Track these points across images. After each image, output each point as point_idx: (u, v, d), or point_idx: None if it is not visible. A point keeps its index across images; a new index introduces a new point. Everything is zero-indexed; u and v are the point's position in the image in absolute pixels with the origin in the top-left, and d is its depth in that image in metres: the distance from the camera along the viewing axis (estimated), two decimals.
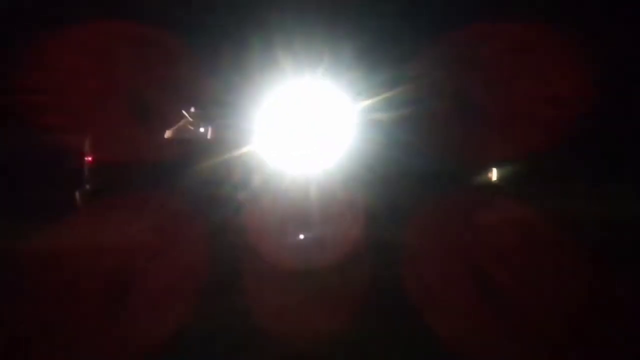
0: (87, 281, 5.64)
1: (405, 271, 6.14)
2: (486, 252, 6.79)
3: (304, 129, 8.00)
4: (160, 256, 6.89)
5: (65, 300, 5.03)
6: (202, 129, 8.77)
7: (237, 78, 9.00)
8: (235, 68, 8.89)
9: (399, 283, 5.74)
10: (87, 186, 8.12)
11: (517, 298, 5.21)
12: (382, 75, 8.13)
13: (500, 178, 8.71)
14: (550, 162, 11.39)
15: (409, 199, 7.76)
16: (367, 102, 7.91)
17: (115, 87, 9.85)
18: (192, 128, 8.81)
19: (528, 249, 7.24)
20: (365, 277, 6.05)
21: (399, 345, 4.34)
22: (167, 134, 8.97)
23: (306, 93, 8.07)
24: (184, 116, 8.96)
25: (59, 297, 5.08)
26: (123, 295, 5.23)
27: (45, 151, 9.39)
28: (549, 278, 5.88)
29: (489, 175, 8.65)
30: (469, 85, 9.09)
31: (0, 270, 6.27)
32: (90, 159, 8.16)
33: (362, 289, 5.63)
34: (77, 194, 8.07)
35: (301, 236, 7.74)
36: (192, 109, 8.99)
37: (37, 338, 4.23)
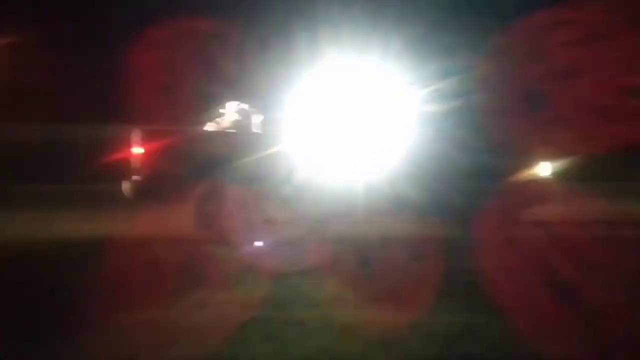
0: (133, 272, 5.64)
1: (459, 267, 5.96)
2: (542, 246, 6.57)
3: (352, 122, 7.87)
4: (204, 248, 6.92)
5: (114, 292, 5.01)
6: (249, 122, 8.75)
7: (285, 71, 8.93)
8: (283, 61, 8.82)
9: (454, 279, 5.57)
10: (136, 177, 8.15)
11: (581, 292, 4.97)
12: (434, 65, 7.93)
13: (555, 174, 8.42)
14: (608, 159, 10.99)
15: (461, 195, 7.55)
16: (418, 94, 7.72)
17: (166, 80, 9.91)
18: (240, 121, 8.78)
19: (589, 246, 6.95)
20: (416, 273, 5.89)
21: (446, 340, 4.17)
22: (216, 126, 8.97)
23: (355, 85, 7.93)
24: (232, 109, 8.94)
25: (108, 288, 5.07)
26: (170, 286, 5.22)
27: (95, 142, 9.51)
28: (614, 274, 5.60)
29: (543, 170, 8.36)
30: (525, 76, 8.80)
31: (53, 261, 6.37)
32: (139, 150, 8.19)
33: (414, 285, 5.47)
34: (125, 186, 8.11)
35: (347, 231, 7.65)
36: (241, 102, 8.98)
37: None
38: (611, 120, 10.09)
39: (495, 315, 4.49)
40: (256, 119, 8.69)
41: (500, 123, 7.83)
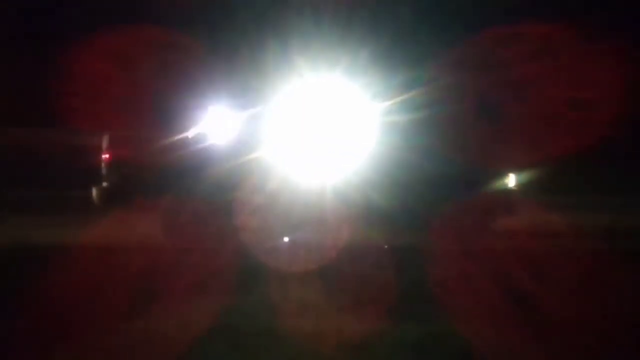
0: (100, 279, 5.63)
1: (424, 276, 6.08)
2: (505, 257, 6.72)
3: (320, 131, 7.97)
4: (173, 256, 6.91)
5: (79, 299, 5.02)
6: (218, 131, 8.76)
7: (253, 80, 9.00)
8: (251, 70, 8.89)
9: (418, 287, 5.69)
10: (105, 184, 8.14)
11: (540, 302, 5.14)
12: (399, 77, 8.07)
13: (519, 184, 8.62)
14: (570, 169, 11.25)
15: (426, 204, 7.70)
16: (384, 105, 7.85)
17: (134, 88, 9.90)
18: (209, 129, 8.80)
19: (545, 254, 7.16)
20: (382, 281, 6.00)
21: (413, 349, 4.29)
22: (185, 134, 8.96)
23: (323, 95, 8.03)
24: (201, 117, 8.94)
25: (72, 295, 5.07)
26: (137, 294, 5.22)
27: (63, 149, 9.45)
28: (574, 286, 5.78)
29: (508, 180, 8.55)
30: (488, 88, 9.01)
31: (15, 267, 6.31)
32: (107, 157, 8.18)
33: (380, 293, 5.58)
34: (94, 192, 8.09)
35: (316, 238, 7.73)
36: (210, 111, 8.98)
37: (52, 338, 4.22)
38: (571, 131, 10.37)
39: (456, 325, 4.61)
40: (226, 128, 8.71)
41: (462, 134, 8.01)
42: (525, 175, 8.55)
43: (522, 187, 8.53)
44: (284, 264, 6.68)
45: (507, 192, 8.42)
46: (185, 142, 8.70)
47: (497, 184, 8.35)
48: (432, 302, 5.26)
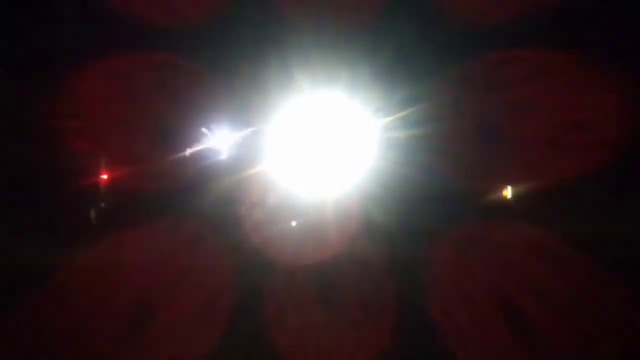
0: (99, 299, 5.58)
1: (424, 291, 6.04)
2: (504, 271, 6.70)
3: (321, 147, 7.98)
4: (173, 275, 6.86)
5: (77, 318, 4.96)
6: (218, 148, 8.77)
7: (254, 97, 9.02)
8: (252, 87, 8.92)
9: (418, 303, 5.65)
10: (102, 204, 8.12)
11: (537, 318, 5.10)
12: (400, 94, 8.11)
13: (516, 199, 8.63)
14: (568, 185, 11.27)
15: (425, 218, 7.69)
16: (385, 120, 7.88)
17: (132, 109, 9.94)
18: (208, 147, 8.81)
19: (543, 268, 7.13)
20: (382, 297, 5.96)
21: None
22: (184, 153, 8.97)
23: (324, 111, 8.06)
24: (200, 136, 8.97)
25: (71, 316, 5.02)
26: (137, 314, 5.17)
27: (62, 170, 9.43)
28: (569, 298, 5.75)
29: (505, 196, 8.57)
30: (488, 105, 9.06)
31: (15, 287, 6.25)
32: (105, 177, 8.18)
33: (380, 310, 5.54)
34: (91, 212, 8.07)
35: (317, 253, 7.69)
36: (209, 129, 9.01)
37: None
38: (568, 151, 10.43)
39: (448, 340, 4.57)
40: (226, 145, 8.72)
41: (461, 150, 8.04)
42: (522, 191, 8.56)
43: (518, 203, 8.54)
44: (284, 282, 6.62)
45: (504, 207, 8.43)
46: (184, 161, 8.71)
47: (494, 199, 8.36)
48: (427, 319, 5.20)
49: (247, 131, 8.17)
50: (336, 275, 6.93)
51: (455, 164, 7.96)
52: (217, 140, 8.62)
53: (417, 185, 7.65)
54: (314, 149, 7.93)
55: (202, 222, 7.60)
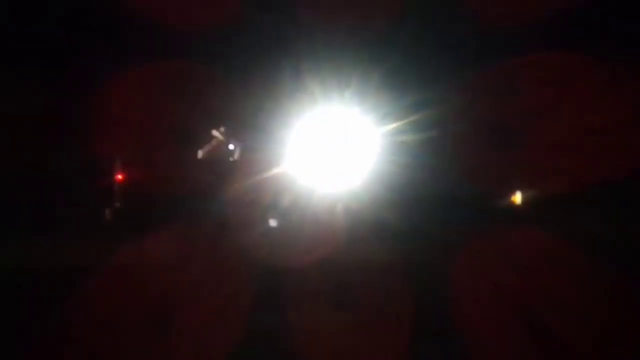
0: (114, 300, 5.65)
1: (434, 295, 6.10)
2: (516, 276, 6.72)
3: (330, 151, 8.04)
4: (186, 275, 6.92)
5: (93, 320, 5.04)
6: (231, 151, 8.84)
7: (266, 100, 9.11)
8: (264, 91, 9.01)
9: (426, 304, 5.71)
10: (117, 204, 8.24)
11: (551, 323, 5.14)
12: (408, 98, 8.16)
13: (524, 203, 8.64)
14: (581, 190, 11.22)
15: (433, 221, 7.74)
16: (393, 125, 7.93)
17: (147, 112, 10.04)
18: (222, 149, 8.89)
19: (553, 270, 7.15)
20: (393, 300, 6.02)
21: None
22: (198, 154, 9.06)
23: (333, 115, 8.12)
24: (214, 137, 9.04)
25: (87, 316, 5.10)
26: (153, 314, 5.25)
27: (77, 169, 9.56)
28: (584, 304, 5.78)
29: (513, 199, 8.59)
30: (496, 110, 9.08)
31: (31, 287, 6.35)
32: (120, 177, 8.28)
33: (391, 313, 5.60)
34: (106, 212, 8.18)
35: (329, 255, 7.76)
36: (222, 131, 9.08)
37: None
38: (578, 157, 10.40)
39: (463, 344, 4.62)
40: (239, 149, 8.80)
41: (470, 154, 8.06)
42: (530, 195, 8.57)
43: (527, 206, 8.55)
44: (296, 285, 6.68)
45: (512, 210, 8.45)
46: (198, 161, 8.80)
47: (502, 203, 8.38)
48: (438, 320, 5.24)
49: (261, 135, 8.25)
50: (349, 277, 6.99)
51: (466, 169, 7.99)
52: (231, 144, 8.71)
53: (428, 189, 7.70)
54: (326, 153, 8.00)
55: (216, 225, 7.69)
